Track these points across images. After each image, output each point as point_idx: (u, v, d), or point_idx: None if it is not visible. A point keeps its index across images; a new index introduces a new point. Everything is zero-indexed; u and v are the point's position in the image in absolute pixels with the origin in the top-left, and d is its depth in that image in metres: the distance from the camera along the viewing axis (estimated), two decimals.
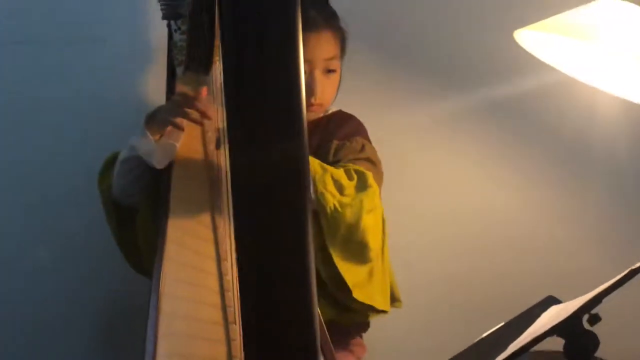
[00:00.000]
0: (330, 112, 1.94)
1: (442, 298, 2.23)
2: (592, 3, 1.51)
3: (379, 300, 1.73)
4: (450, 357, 1.35)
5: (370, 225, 1.66)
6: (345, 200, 1.64)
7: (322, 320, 1.44)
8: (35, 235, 2.20)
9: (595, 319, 1.34)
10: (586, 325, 1.30)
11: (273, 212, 0.89)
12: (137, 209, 1.79)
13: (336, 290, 1.68)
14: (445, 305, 2.21)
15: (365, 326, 1.88)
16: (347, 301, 1.69)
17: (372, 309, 1.73)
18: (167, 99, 1.82)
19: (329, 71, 1.84)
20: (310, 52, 1.80)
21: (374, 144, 1.91)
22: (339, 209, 1.63)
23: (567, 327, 1.32)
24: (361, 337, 1.89)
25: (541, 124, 2.22)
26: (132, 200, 1.79)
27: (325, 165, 1.67)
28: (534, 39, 1.57)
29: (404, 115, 2.21)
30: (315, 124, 1.89)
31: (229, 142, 0.90)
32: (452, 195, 2.26)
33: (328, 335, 1.43)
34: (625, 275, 1.13)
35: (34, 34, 2.14)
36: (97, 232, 1.99)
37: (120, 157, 1.74)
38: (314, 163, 1.64)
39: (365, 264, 1.69)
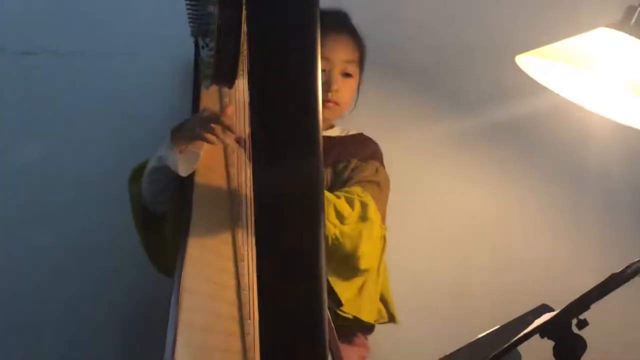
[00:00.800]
0: (351, 133, 2.05)
1: (447, 307, 2.30)
2: (589, 32, 1.59)
3: (366, 314, 1.85)
4: (444, 355, 1.43)
5: (366, 253, 1.77)
6: (346, 229, 1.74)
7: None
8: (68, 239, 2.27)
9: (583, 324, 1.41)
10: (575, 330, 1.37)
11: (290, 220, 0.98)
12: (164, 216, 1.87)
13: (329, 302, 1.77)
14: (449, 313, 2.28)
15: (366, 328, 1.96)
16: (337, 311, 1.80)
17: (359, 320, 1.84)
18: (194, 111, 1.89)
19: (347, 74, 1.95)
20: (329, 52, 1.91)
21: (388, 159, 2.02)
22: (340, 238, 1.73)
23: (556, 330, 1.42)
24: (365, 337, 1.97)
25: (542, 143, 2.31)
26: (160, 207, 1.87)
27: (329, 196, 1.75)
28: (534, 64, 1.65)
29: (416, 133, 2.31)
30: (335, 141, 1.99)
31: (253, 158, 0.99)
32: (458, 210, 2.34)
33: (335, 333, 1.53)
34: (607, 280, 1.20)
35: (68, 45, 2.24)
36: (124, 237, 2.06)
37: (149, 167, 1.81)
38: None
39: (357, 281, 1.81)
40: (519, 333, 1.43)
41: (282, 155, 0.98)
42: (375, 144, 2.04)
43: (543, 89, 1.75)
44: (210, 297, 1.54)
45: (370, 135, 2.06)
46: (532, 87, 1.79)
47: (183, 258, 1.57)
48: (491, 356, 1.30)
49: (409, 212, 2.27)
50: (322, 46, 1.81)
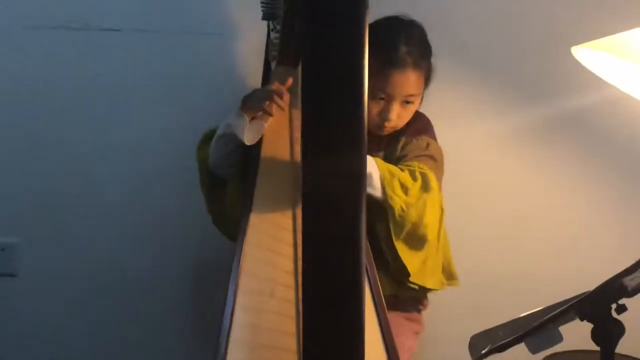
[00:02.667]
0: None
1: (506, 293, 2.35)
2: None
3: (431, 282, 1.92)
4: (483, 330, 1.49)
5: (430, 222, 1.84)
6: (410, 200, 1.81)
7: (383, 294, 1.63)
8: (135, 209, 2.38)
9: (622, 309, 1.45)
10: (614, 314, 1.43)
11: (332, 211, 1.05)
12: (228, 181, 1.98)
13: (397, 273, 1.87)
14: (505, 300, 2.32)
15: (423, 302, 2.04)
16: (405, 282, 1.88)
17: (424, 289, 1.92)
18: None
19: (407, 103, 1.96)
20: (392, 88, 1.91)
21: (449, 152, 2.05)
22: (405, 209, 1.80)
23: (595, 314, 1.45)
24: (419, 313, 2.04)
25: (606, 136, 2.33)
26: (224, 171, 1.97)
27: (393, 170, 1.82)
28: (590, 56, 1.68)
29: (479, 124, 2.36)
30: None
31: (302, 151, 1.06)
32: (518, 200, 2.39)
33: (388, 317, 1.59)
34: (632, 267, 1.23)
35: (149, 23, 2.32)
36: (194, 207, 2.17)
37: (218, 132, 1.92)
38: (383, 168, 1.81)
39: (422, 252, 1.87)
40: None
41: (328, 149, 1.05)
42: (425, 118, 2.07)
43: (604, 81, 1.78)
44: (268, 264, 1.61)
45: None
46: (593, 79, 1.81)
47: (245, 227, 1.67)
48: (526, 331, 1.34)
49: (471, 203, 2.33)
50: (384, 83, 1.87)
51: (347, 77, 1.09)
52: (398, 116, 1.96)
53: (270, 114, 1.83)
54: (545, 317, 1.36)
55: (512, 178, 2.39)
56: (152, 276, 2.41)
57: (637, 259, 1.24)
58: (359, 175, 1.07)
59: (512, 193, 2.39)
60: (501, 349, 1.36)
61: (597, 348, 1.39)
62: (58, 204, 2.38)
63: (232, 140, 1.87)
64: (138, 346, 2.41)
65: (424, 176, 1.85)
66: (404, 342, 1.92)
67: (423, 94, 2.01)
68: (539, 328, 1.35)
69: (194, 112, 2.32)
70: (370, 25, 1.91)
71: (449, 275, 2.02)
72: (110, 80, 2.34)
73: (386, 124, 1.95)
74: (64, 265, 2.39)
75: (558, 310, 1.36)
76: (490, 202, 2.39)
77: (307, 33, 1.09)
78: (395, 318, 1.93)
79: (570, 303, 1.35)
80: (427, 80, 2.00)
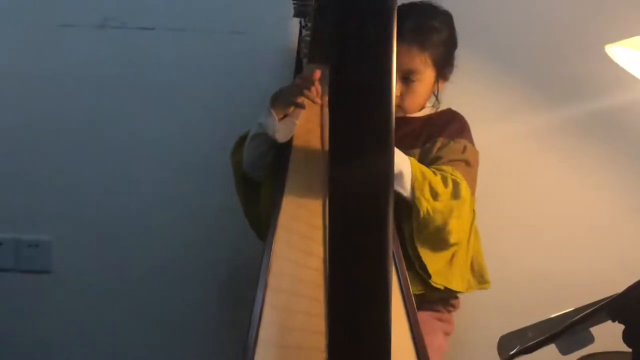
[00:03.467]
0: (440, 109, 2.07)
1: (537, 294, 2.34)
2: None
3: (456, 284, 1.90)
4: (513, 330, 1.48)
5: (455, 229, 1.83)
6: (438, 206, 1.79)
7: (413, 294, 1.61)
8: (167, 207, 2.39)
9: None
10: None
11: (359, 214, 1.04)
12: (262, 183, 1.97)
13: (421, 272, 1.86)
14: (535, 300, 2.30)
15: (452, 303, 2.03)
16: (429, 281, 1.87)
17: (450, 290, 1.90)
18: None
19: (409, 81, 1.94)
20: None
21: (478, 144, 2.03)
22: (431, 213, 1.79)
23: (627, 315, 1.44)
24: (450, 313, 2.03)
25: (634, 134, 2.31)
26: (259, 173, 1.97)
27: (425, 172, 1.81)
28: (623, 54, 1.67)
29: (510, 123, 2.34)
30: (425, 120, 2.03)
31: (329, 153, 1.06)
32: (547, 199, 2.37)
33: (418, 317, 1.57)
34: None
35: (182, 22, 2.33)
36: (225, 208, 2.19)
37: (250, 133, 1.92)
38: (416, 169, 1.79)
39: (447, 254, 1.86)
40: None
41: (355, 151, 1.04)
42: (463, 120, 2.04)
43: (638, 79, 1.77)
44: (297, 263, 1.61)
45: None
46: (627, 78, 1.81)
47: (275, 225, 1.67)
48: (555, 332, 1.33)
49: (500, 202, 2.32)
50: None
51: (375, 78, 1.09)
52: (401, 94, 1.95)
53: (301, 107, 1.83)
54: (575, 318, 1.34)
55: (542, 177, 2.37)
56: (180, 275, 2.42)
57: None
58: (387, 177, 1.07)
59: (541, 192, 2.37)
60: (530, 350, 1.35)
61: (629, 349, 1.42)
62: (90, 201, 2.40)
63: (265, 140, 1.87)
64: (165, 345, 2.43)
65: (455, 184, 1.83)
66: (434, 342, 1.91)
67: (438, 82, 1.99)
68: (568, 329, 1.33)
69: (222, 111, 2.34)
70: (402, 5, 1.93)
71: (481, 279, 2.01)
72: (142, 78, 2.36)
73: None
74: (96, 263, 2.41)
75: (588, 311, 1.34)
76: (519, 201, 2.37)
77: (336, 32, 1.10)
78: (425, 317, 1.93)
79: (601, 304, 1.33)
80: (439, 66, 1.97)
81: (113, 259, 2.42)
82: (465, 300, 2.10)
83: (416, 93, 1.97)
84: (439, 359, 1.94)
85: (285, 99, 1.83)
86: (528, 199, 2.38)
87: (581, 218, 2.38)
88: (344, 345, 1.08)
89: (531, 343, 1.35)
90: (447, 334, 2.01)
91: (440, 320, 1.99)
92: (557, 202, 2.38)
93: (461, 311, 2.10)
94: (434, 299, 1.95)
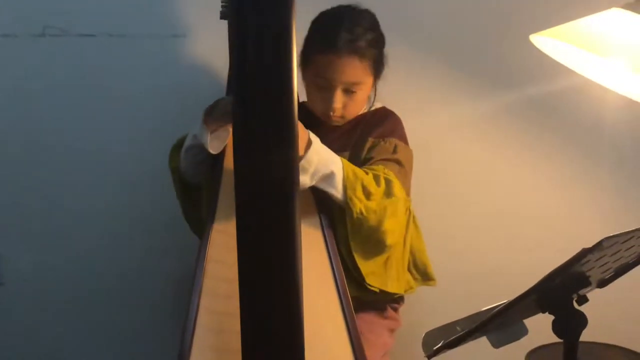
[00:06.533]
0: (373, 108, 2.05)
1: (490, 288, 2.25)
2: (602, 13, 1.59)
3: (392, 286, 1.90)
4: (444, 324, 1.46)
5: (390, 228, 1.81)
6: (371, 205, 1.78)
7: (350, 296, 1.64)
8: (116, 215, 2.39)
9: (583, 300, 1.44)
10: (575, 306, 1.41)
11: (264, 207, 1.09)
12: (202, 188, 1.96)
13: (356, 275, 1.85)
14: (489, 295, 2.30)
15: (396, 299, 2.02)
16: (363, 284, 1.86)
17: (386, 292, 1.89)
18: (227, 92, 1.98)
19: (351, 92, 1.91)
20: (331, 73, 1.87)
21: (415, 137, 2.02)
22: (365, 213, 1.78)
23: (556, 305, 1.44)
24: (394, 310, 2.02)
25: (563, 118, 2.32)
26: (197, 179, 1.95)
27: (357, 171, 1.79)
28: (548, 43, 1.67)
29: (444, 112, 2.34)
30: (358, 120, 2.01)
31: (234, 148, 1.08)
32: (485, 188, 2.38)
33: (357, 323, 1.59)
34: (578, 254, 1.20)
35: (119, 27, 2.32)
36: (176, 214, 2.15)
37: (185, 144, 1.89)
38: (348, 169, 1.78)
39: (382, 256, 1.85)
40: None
41: (256, 148, 1.07)
42: (395, 118, 2.03)
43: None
44: (233, 266, 1.62)
45: (398, 112, 2.06)
46: (553, 65, 1.80)
47: (210, 228, 1.69)
48: (481, 322, 1.32)
49: (433, 185, 2.32)
50: (322, 67, 1.87)
51: (276, 75, 1.11)
52: (344, 106, 1.92)
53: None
54: (499, 308, 1.33)
55: (479, 166, 2.38)
56: (138, 281, 2.42)
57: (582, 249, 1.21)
58: (290, 169, 1.11)
59: (479, 181, 2.39)
60: (455, 343, 1.34)
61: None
62: (37, 211, 2.39)
63: (201, 151, 1.85)
64: (120, 353, 2.43)
65: (388, 182, 1.82)
66: (378, 339, 1.92)
67: (375, 84, 1.98)
68: (493, 319, 1.33)
69: (166, 115, 2.34)
70: (321, 13, 1.91)
71: (425, 276, 2.01)
72: (84, 85, 2.35)
73: (331, 113, 1.91)
74: (47, 273, 2.41)
75: (511, 300, 1.32)
76: (468, 195, 2.39)
77: (235, 33, 1.11)
78: (369, 317, 1.95)
79: (525, 292, 1.31)
80: (376, 70, 1.95)
81: (64, 268, 2.41)
82: (418, 296, 2.11)
83: (357, 101, 1.95)
84: (382, 355, 1.93)
85: (219, 115, 1.80)
86: (476, 192, 2.39)
87: (531, 210, 2.39)
88: (256, 333, 1.13)
89: (455, 336, 1.34)
90: (392, 330, 2.00)
91: (384, 318, 1.98)
92: (505, 195, 2.39)
93: (413, 307, 2.11)
94: (370, 300, 1.93)
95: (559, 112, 2.32)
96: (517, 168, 2.38)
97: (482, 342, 1.48)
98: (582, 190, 2.37)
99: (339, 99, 1.90)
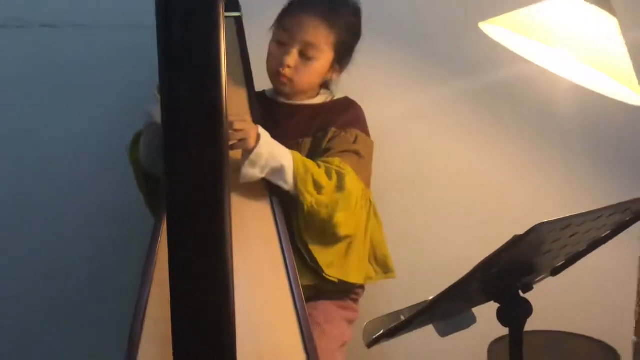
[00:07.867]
0: (336, 97, 2.04)
1: (438, 277, 2.31)
2: (547, 1, 1.60)
3: (353, 276, 1.90)
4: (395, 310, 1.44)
5: (342, 221, 1.81)
6: (322, 199, 1.79)
7: (303, 284, 1.66)
8: (82, 204, 2.39)
9: (527, 288, 1.44)
10: (520, 294, 1.40)
11: (194, 200, 1.09)
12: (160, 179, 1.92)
13: (313, 265, 1.85)
14: (437, 282, 2.30)
15: (356, 291, 2.00)
16: (322, 274, 1.86)
17: (346, 283, 1.89)
18: None
19: (306, 57, 1.91)
20: (294, 28, 1.90)
21: (377, 125, 2.02)
22: (316, 207, 1.78)
23: (502, 294, 1.44)
24: (354, 301, 2.01)
25: (515, 105, 2.33)
26: (156, 169, 1.90)
27: (309, 165, 1.80)
28: (497, 31, 1.67)
29: (405, 99, 2.34)
30: (318, 108, 2.00)
31: (164, 145, 1.09)
32: (457, 185, 2.39)
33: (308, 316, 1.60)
34: (510, 242, 1.20)
35: (83, 19, 2.31)
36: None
37: (144, 124, 1.84)
38: (298, 163, 1.78)
39: (339, 246, 1.86)
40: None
41: (184, 142, 1.08)
42: (357, 109, 2.02)
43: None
44: None
45: (357, 100, 2.05)
46: (507, 51, 1.81)
47: (162, 218, 1.70)
48: (421, 309, 1.32)
49: (393, 176, 2.32)
50: (289, 22, 1.88)
51: (203, 68, 1.11)
52: (295, 68, 1.92)
53: None
54: (438, 294, 1.32)
55: (438, 155, 2.39)
56: (84, 278, 2.42)
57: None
58: (218, 165, 1.10)
59: (449, 177, 2.39)
60: (395, 331, 1.34)
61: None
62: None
63: (157, 131, 1.79)
64: (80, 345, 2.43)
65: (340, 175, 1.82)
66: (334, 330, 1.91)
67: (335, 68, 1.98)
68: (432, 308, 1.32)
69: (132, 105, 2.19)
70: None
71: (386, 268, 2.00)
72: (47, 76, 2.34)
73: (281, 69, 1.91)
74: (6, 261, 2.41)
75: (458, 281, 1.29)
76: (429, 187, 2.39)
77: (160, 22, 1.11)
78: (326, 306, 1.94)
79: (464, 275, 1.28)
80: (339, 51, 1.95)
81: (25, 257, 2.41)
82: (378, 289, 2.10)
83: (310, 71, 1.93)
84: (339, 346, 1.92)
85: None
86: (437, 184, 2.39)
87: (486, 193, 2.39)
88: (185, 326, 1.12)
89: (395, 324, 1.34)
90: (350, 321, 1.99)
91: (342, 308, 1.98)
92: (467, 186, 2.39)
93: (374, 299, 2.10)
94: (329, 290, 1.93)
95: (512, 97, 2.33)
96: (473, 154, 2.38)
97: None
98: (535, 172, 2.37)
99: (293, 57, 1.91)
